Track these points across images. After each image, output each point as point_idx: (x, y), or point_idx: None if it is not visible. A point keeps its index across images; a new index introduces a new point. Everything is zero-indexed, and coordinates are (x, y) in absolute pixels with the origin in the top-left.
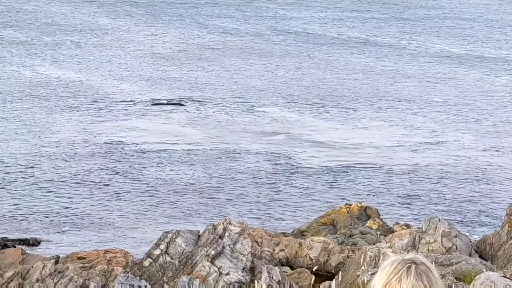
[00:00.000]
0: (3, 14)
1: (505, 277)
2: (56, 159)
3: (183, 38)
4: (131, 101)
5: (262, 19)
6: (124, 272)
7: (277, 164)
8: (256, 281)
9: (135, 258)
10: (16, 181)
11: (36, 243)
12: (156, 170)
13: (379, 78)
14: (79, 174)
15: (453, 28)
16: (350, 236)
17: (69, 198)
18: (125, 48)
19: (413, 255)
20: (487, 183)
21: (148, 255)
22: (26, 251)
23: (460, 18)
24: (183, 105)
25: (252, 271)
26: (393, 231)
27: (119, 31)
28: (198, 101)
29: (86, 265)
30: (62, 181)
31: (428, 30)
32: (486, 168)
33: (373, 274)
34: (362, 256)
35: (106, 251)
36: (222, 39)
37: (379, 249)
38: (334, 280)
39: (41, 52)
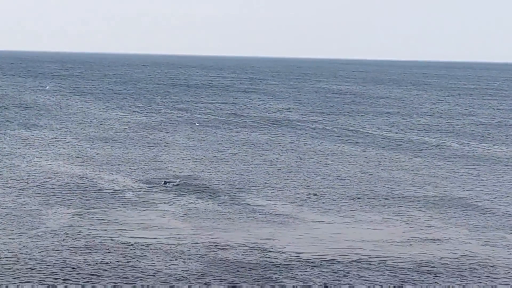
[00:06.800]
0: None
1: None
2: (41, 258)
3: (167, 125)
4: (119, 190)
5: (250, 106)
6: None
7: (269, 257)
8: None
9: None
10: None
11: None
12: (150, 269)
13: (372, 171)
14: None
15: (440, 124)
16: None
17: None
18: (108, 135)
19: None
20: (489, 280)
21: None
22: None
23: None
24: (166, 192)
25: None
26: None
27: (101, 118)
28: (190, 191)
29: None
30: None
31: (407, 125)
32: (487, 264)
33: None
34: None
35: None
36: (206, 125)
37: None
38: None
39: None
